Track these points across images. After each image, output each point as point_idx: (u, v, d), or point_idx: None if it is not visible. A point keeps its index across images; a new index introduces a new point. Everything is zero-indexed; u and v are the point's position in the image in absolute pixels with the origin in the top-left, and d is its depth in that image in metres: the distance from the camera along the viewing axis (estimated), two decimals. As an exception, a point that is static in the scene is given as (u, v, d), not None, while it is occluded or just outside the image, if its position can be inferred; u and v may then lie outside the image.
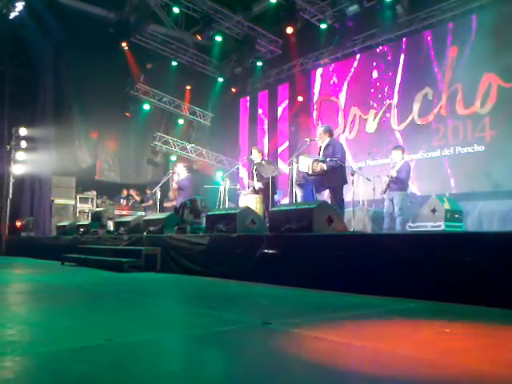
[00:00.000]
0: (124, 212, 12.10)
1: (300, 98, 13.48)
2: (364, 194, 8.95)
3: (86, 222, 9.46)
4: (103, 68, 11.93)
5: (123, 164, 14.65)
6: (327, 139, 6.66)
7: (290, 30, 11.72)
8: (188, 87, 15.11)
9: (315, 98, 13.29)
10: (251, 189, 8.27)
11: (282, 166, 11.93)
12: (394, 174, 7.73)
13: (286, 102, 14.22)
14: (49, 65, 12.15)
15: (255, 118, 15.13)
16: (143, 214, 11.21)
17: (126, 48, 12.85)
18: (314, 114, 13.25)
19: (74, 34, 11.01)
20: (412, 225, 8.10)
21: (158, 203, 9.68)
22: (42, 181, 12.25)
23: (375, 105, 11.63)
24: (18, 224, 11.51)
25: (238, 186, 10.09)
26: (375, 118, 11.60)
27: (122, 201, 13.15)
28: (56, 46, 11.86)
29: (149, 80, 14.07)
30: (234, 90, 15.04)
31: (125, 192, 13.39)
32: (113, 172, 14.48)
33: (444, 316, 2.87)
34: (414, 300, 3.30)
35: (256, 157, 8.32)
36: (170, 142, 14.71)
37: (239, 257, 5.02)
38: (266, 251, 4.65)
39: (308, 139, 7.48)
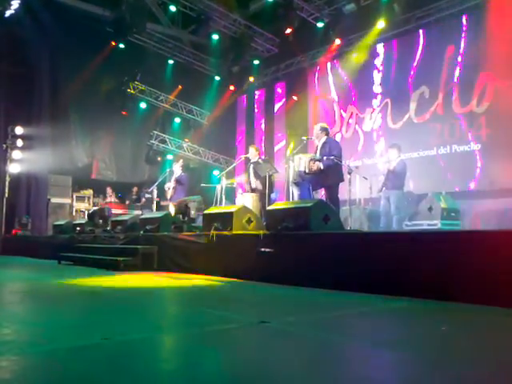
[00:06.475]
0: (120, 211, 12.04)
1: (296, 97, 13.48)
2: (361, 193, 8.95)
3: (83, 221, 9.44)
4: (100, 66, 11.90)
5: (119, 163, 14.61)
6: (324, 138, 6.67)
7: (286, 29, 11.71)
8: (185, 86, 15.07)
9: (312, 97, 13.29)
10: (248, 187, 8.26)
11: (279, 165, 11.92)
12: (391, 168, 7.74)
13: (283, 100, 14.21)
14: (45, 63, 12.10)
15: (252, 116, 15.12)
16: (140, 212, 11.19)
17: (123, 46, 12.79)
18: (311, 112, 13.25)
19: (71, 32, 10.98)
20: (408, 223, 8.14)
21: (155, 202, 9.66)
22: (39, 179, 12.21)
23: (372, 103, 11.64)
24: (14, 224, 11.47)
25: (235, 184, 10.08)
26: (372, 116, 11.62)
27: (107, 198, 13.03)
28: (52, 44, 11.80)
29: (145, 78, 14.03)
30: (230, 88, 15.02)
31: (109, 191, 13.26)
32: (109, 171, 14.44)
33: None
34: (411, 298, 3.31)
35: (253, 155, 8.29)
36: (167, 140, 14.69)
37: (236, 255, 5.02)
38: (262, 250, 4.65)
39: (305, 138, 7.50)
